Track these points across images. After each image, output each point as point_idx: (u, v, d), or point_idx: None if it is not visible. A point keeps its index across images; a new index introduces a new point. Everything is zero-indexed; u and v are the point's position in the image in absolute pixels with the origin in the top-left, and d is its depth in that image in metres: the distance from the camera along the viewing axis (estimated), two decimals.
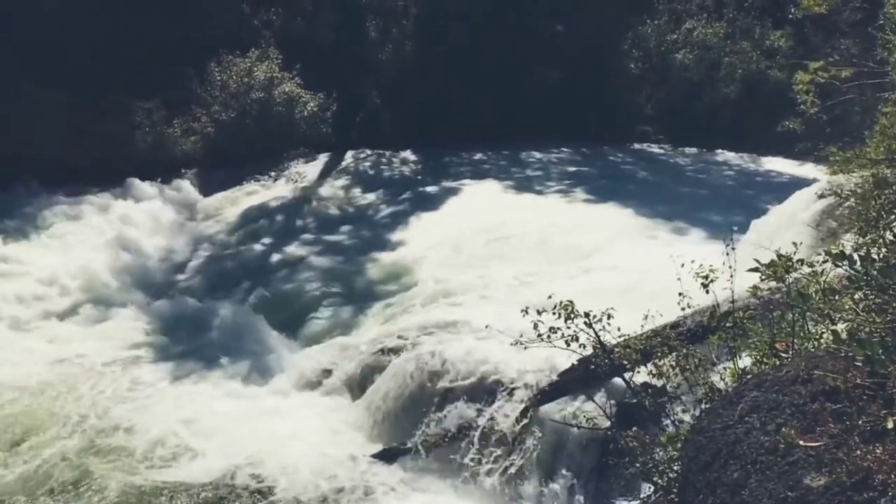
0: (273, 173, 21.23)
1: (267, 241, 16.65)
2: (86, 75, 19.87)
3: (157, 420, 10.09)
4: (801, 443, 2.73)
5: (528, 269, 12.60)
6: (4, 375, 11.11)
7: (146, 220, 17.71)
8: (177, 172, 20.46)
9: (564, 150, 23.35)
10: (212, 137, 21.73)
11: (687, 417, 4.76)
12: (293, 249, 15.96)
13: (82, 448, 9.44)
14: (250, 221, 17.87)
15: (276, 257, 15.74)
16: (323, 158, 22.27)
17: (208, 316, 13.19)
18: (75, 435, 9.75)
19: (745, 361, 4.38)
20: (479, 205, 17.35)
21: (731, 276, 4.74)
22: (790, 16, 11.69)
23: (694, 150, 24.11)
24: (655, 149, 24.63)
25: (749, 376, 3.72)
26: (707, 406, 3.98)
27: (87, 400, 10.56)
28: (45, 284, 14.12)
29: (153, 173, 19.76)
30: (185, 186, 19.98)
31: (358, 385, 10.63)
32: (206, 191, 20.03)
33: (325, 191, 19.81)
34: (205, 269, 15.80)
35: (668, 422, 5.01)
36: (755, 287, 4.42)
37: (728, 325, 4.61)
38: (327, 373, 11.09)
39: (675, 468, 4.03)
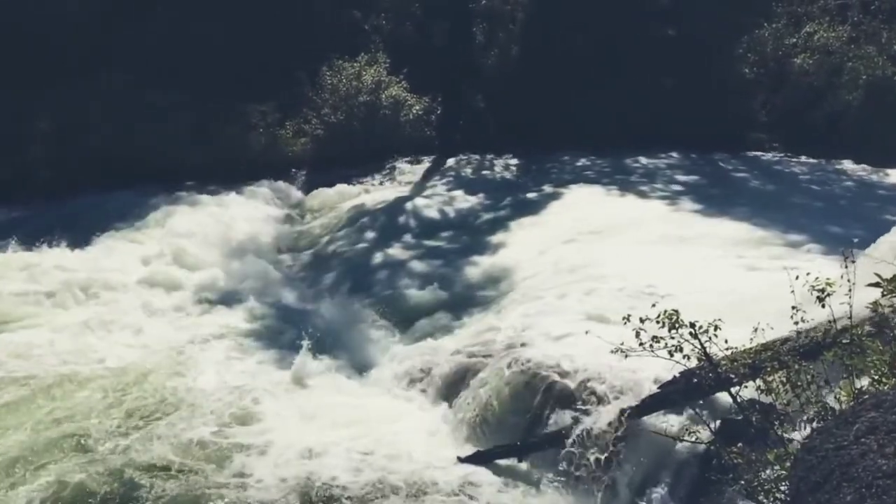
0: (377, 175, 21.73)
1: (369, 241, 17.02)
2: (207, 79, 20.97)
3: (255, 412, 10.45)
4: None
5: (630, 277, 12.34)
6: (99, 365, 11.73)
7: (257, 218, 18.53)
8: (287, 172, 21.26)
9: (673, 155, 22.75)
10: (321, 139, 22.48)
11: (796, 436, 4.56)
12: (394, 250, 16.24)
13: (179, 436, 9.80)
14: (354, 221, 18.32)
15: (377, 257, 16.07)
16: (426, 161, 22.58)
17: (310, 312, 13.62)
18: (171, 424, 10.08)
19: (861, 381, 4.17)
20: (581, 211, 17.14)
21: (850, 291, 4.51)
22: None
23: (812, 159, 22.93)
24: (770, 157, 23.59)
25: (866, 396, 3.53)
26: (819, 425, 3.81)
27: (186, 390, 10.98)
28: (159, 276, 14.95)
29: (265, 173, 20.61)
30: (295, 186, 20.74)
31: (453, 386, 10.70)
32: (314, 191, 20.71)
33: (427, 193, 20.06)
34: (309, 267, 16.34)
35: (776, 440, 4.81)
36: (876, 303, 4.20)
37: (845, 341, 4.39)
38: (423, 373, 11.21)
39: (783, 488, 3.88)
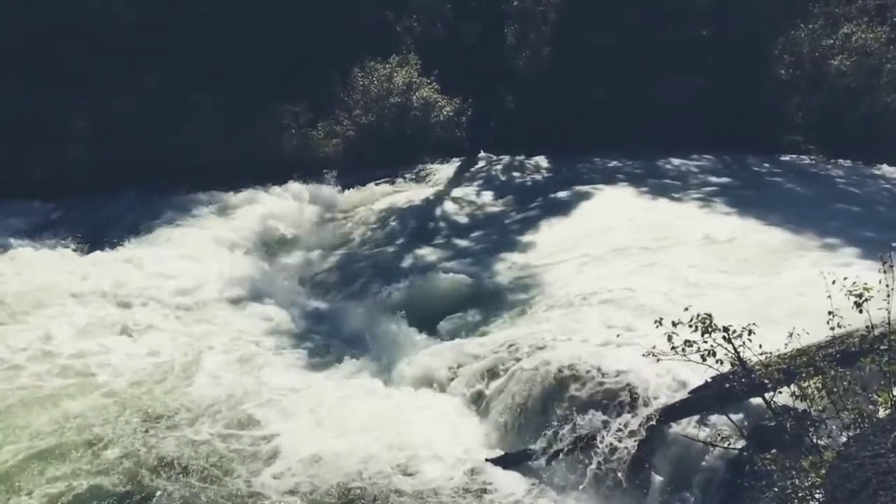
0: (408, 175, 21.79)
1: (399, 242, 17.07)
2: (239, 80, 21.20)
3: (282, 414, 10.48)
4: None
5: (661, 280, 12.23)
6: (134, 364, 11.77)
7: (288, 218, 18.69)
8: (318, 172, 21.39)
9: (707, 156, 22.52)
10: (352, 140, 22.61)
11: (832, 444, 4.48)
12: (423, 250, 16.27)
13: (200, 439, 9.85)
14: (384, 222, 18.39)
15: (407, 258, 16.10)
16: (456, 162, 22.60)
17: (336, 312, 13.68)
18: (195, 426, 10.13)
19: None
20: (612, 213, 17.02)
21: (889, 296, 4.42)
22: None
23: (849, 162, 22.53)
24: (805, 160, 23.22)
25: None
26: (856, 432, 3.74)
27: (215, 392, 10.97)
28: (188, 277, 14.92)
29: (296, 173, 20.74)
30: (325, 187, 20.86)
31: (481, 388, 10.68)
32: (344, 191, 20.82)
33: (457, 194, 20.07)
34: (340, 266, 16.41)
35: (811, 447, 4.73)
36: None
37: (883, 347, 4.30)
38: (451, 374, 11.20)
39: (818, 496, 3.81)
